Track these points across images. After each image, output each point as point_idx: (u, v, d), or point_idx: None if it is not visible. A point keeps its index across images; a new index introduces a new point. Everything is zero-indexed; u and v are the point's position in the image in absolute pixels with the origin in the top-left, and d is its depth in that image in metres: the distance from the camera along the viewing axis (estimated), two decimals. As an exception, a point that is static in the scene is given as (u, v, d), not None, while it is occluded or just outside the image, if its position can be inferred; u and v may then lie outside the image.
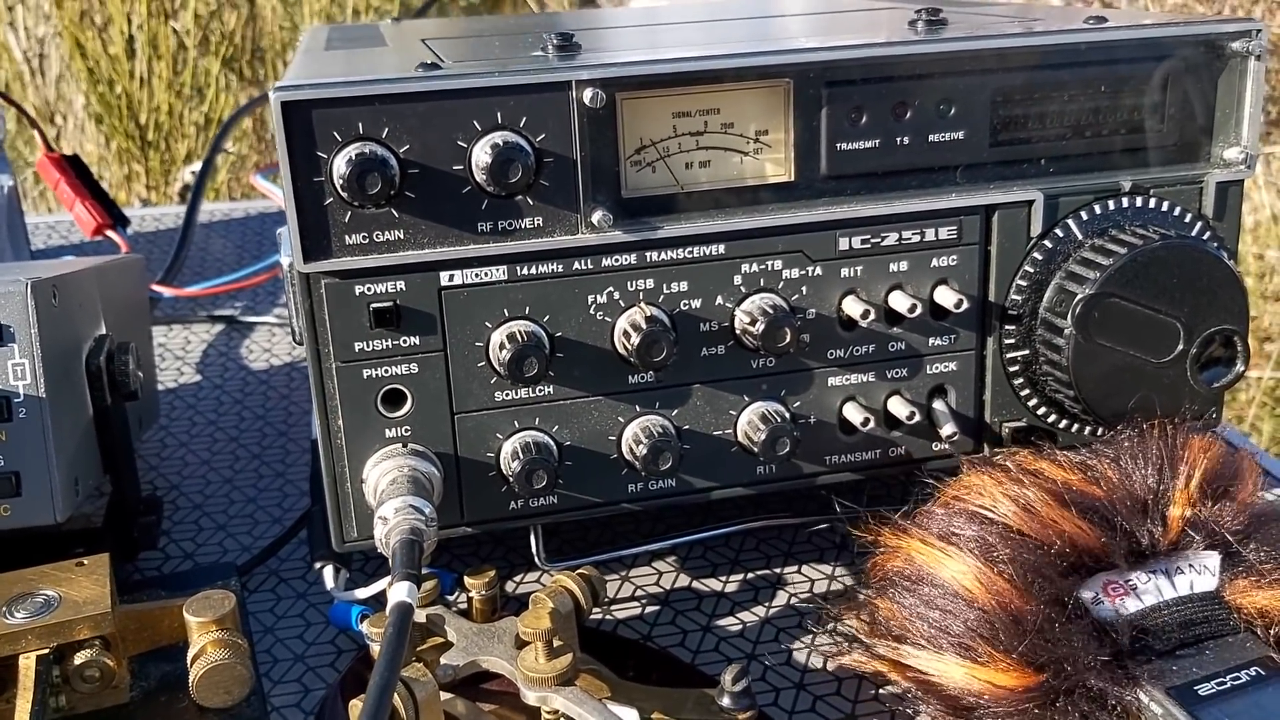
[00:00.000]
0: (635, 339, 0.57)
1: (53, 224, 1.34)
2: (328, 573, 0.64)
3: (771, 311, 0.58)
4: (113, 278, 0.72)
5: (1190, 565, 0.54)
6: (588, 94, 0.55)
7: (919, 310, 0.60)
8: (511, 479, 0.58)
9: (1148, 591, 0.53)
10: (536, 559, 0.64)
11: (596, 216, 0.56)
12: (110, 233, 0.99)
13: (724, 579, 0.67)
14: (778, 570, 0.67)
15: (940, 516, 0.56)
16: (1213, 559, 0.55)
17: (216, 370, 0.98)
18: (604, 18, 0.90)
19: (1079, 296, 0.59)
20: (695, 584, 0.67)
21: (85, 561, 0.56)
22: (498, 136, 0.54)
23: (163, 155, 2.21)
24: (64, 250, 1.24)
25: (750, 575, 0.67)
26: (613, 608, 0.65)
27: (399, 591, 0.47)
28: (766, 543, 0.70)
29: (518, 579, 0.67)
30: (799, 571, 0.67)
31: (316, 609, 0.66)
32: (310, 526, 0.68)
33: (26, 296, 0.56)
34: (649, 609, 0.65)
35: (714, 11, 0.83)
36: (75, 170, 1.02)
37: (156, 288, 1.02)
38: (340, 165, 0.53)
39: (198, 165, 1.26)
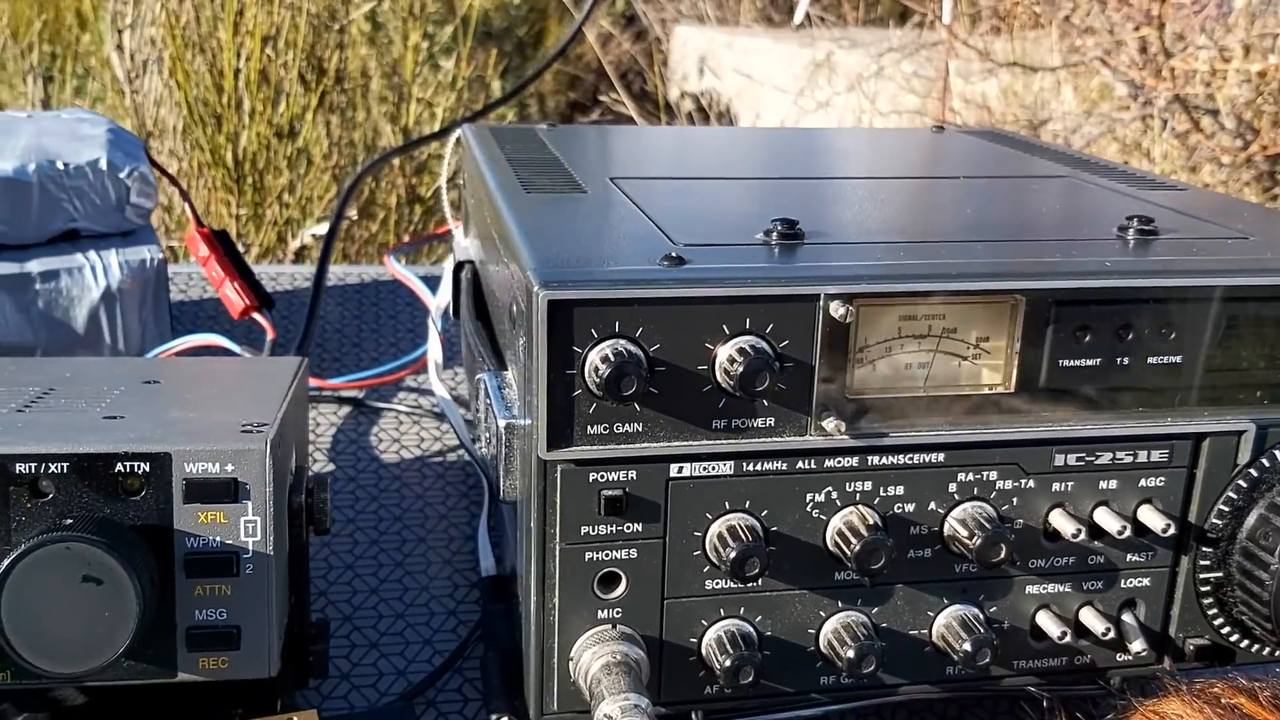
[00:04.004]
0: (856, 545, 0.57)
1: (170, 274, 1.34)
2: (507, 729, 0.64)
3: (988, 526, 0.59)
4: (298, 398, 0.73)
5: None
6: (836, 308, 0.55)
7: (1128, 532, 0.61)
8: (719, 671, 0.58)
9: None
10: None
11: (829, 423, 0.57)
12: (257, 315, 0.99)
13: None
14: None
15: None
16: None
17: (349, 459, 0.99)
18: (793, 159, 0.90)
19: (1290, 535, 0.60)
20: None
21: (295, 717, 0.57)
22: (745, 342, 0.55)
23: (255, 186, 2.24)
24: (197, 315, 1.23)
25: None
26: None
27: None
28: (917, 716, 0.70)
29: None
30: (964, 760, 0.67)
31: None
32: (485, 676, 0.68)
33: (265, 454, 0.56)
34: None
35: (919, 195, 0.84)
36: (224, 246, 1.03)
37: (293, 370, 1.03)
38: (596, 362, 0.53)
39: (319, 228, 1.27)
